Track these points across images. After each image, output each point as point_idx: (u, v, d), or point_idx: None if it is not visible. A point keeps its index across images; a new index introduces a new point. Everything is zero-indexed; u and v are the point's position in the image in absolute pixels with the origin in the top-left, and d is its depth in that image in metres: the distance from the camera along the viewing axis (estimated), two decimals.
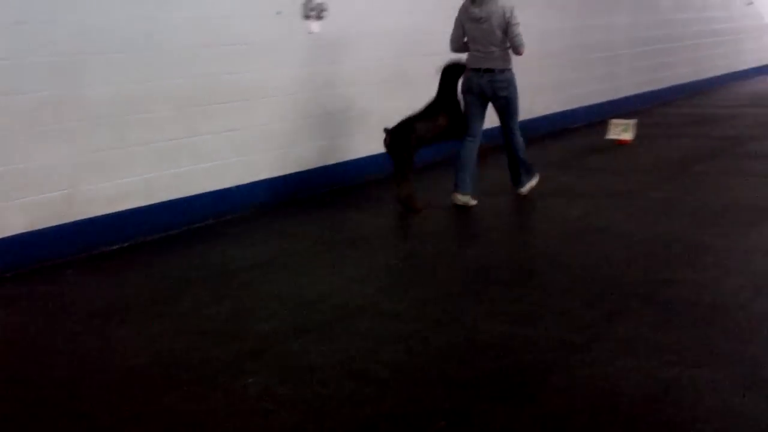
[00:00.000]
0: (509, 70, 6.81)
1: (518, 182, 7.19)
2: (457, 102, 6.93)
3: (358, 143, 8.13)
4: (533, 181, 7.23)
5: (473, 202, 6.83)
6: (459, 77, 6.90)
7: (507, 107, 6.89)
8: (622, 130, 9.54)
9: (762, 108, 12.01)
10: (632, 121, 9.57)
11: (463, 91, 6.91)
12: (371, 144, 8.23)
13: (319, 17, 7.53)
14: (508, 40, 6.71)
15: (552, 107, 10.93)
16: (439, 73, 6.93)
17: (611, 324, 4.19)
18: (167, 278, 5.25)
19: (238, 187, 6.99)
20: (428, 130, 6.78)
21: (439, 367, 3.75)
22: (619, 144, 9.41)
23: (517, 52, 6.77)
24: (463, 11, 6.86)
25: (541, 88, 10.67)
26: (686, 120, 11.51)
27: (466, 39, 6.89)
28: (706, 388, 3.42)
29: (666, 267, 5.08)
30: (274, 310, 4.56)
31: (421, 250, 5.79)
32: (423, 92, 8.23)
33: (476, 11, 6.72)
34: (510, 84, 6.81)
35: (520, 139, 7.07)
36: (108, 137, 5.95)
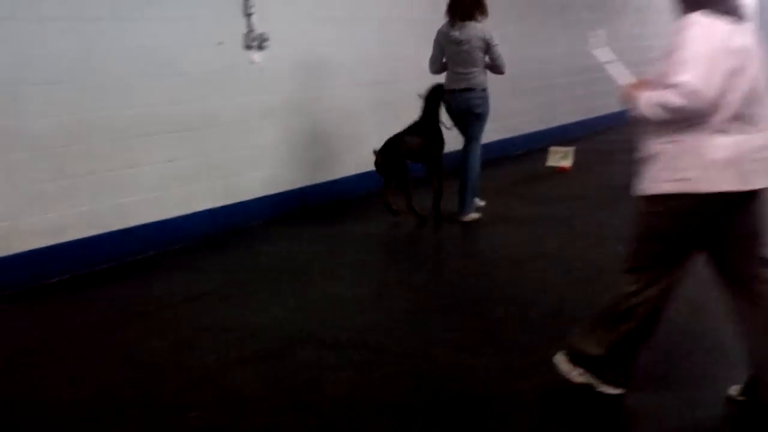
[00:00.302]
0: (485, 89, 7.27)
1: (463, 207, 7.32)
2: (438, 124, 7.43)
3: (301, 172, 8.16)
4: (475, 215, 7.36)
5: (476, 216, 7.29)
6: (440, 100, 7.37)
7: (477, 122, 7.31)
8: (561, 158, 9.72)
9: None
10: (571, 149, 9.76)
11: (447, 111, 7.40)
12: (316, 173, 8.29)
13: (260, 48, 7.55)
14: (489, 60, 7.18)
15: (492, 136, 11.05)
16: (422, 98, 7.43)
17: (552, 350, 4.25)
18: (109, 311, 5.19)
19: (180, 218, 6.96)
20: (415, 144, 7.15)
21: (382, 397, 3.77)
22: (559, 171, 9.58)
23: (501, 72, 7.31)
24: (443, 35, 7.22)
25: None
26: (623, 147, 11.71)
27: (444, 60, 7.23)
28: (650, 410, 3.50)
29: (605, 292, 5.14)
30: (216, 341, 4.54)
31: (364, 278, 5.81)
32: (368, 121, 8.34)
33: (456, 34, 7.11)
34: (485, 102, 7.28)
35: (477, 163, 7.36)
36: (48, 169, 5.90)
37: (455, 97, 7.24)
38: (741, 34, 3.24)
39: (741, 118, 3.20)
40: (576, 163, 9.69)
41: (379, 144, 7.33)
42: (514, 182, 9.38)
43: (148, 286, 5.72)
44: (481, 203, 7.69)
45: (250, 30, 7.47)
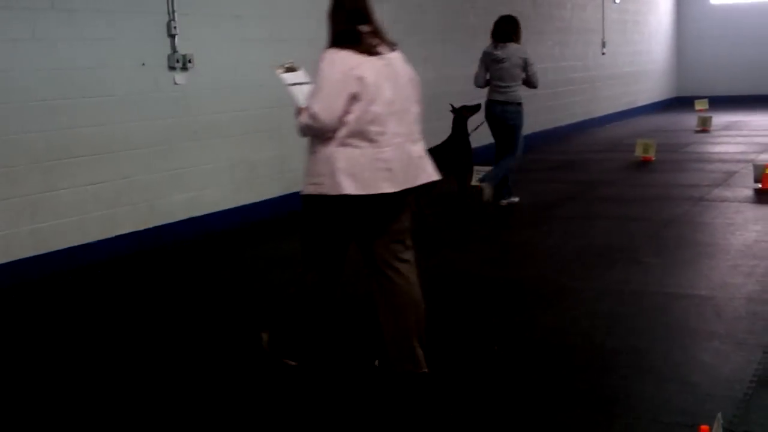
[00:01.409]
0: (520, 104, 8.49)
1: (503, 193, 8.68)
2: (467, 140, 8.41)
3: (226, 194, 8.12)
4: (513, 199, 8.80)
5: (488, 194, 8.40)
6: (468, 115, 8.46)
7: (510, 133, 8.53)
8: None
9: (615, 153, 12.62)
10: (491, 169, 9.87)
11: (486, 116, 8.63)
12: (238, 194, 8.25)
13: (184, 68, 7.53)
14: (525, 77, 8.39)
15: None
16: (453, 112, 8.46)
17: (471, 369, 4.32)
18: (27, 336, 5.09)
19: (101, 242, 6.86)
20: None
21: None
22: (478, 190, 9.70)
23: (535, 87, 8.66)
24: (487, 54, 8.59)
25: None
26: (545, 166, 11.98)
27: (488, 77, 8.50)
28: (568, 427, 3.57)
29: (525, 310, 5.28)
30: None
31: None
32: (293, 143, 8.25)
33: (498, 53, 8.44)
34: (518, 115, 8.50)
35: (514, 162, 8.65)
36: None
37: (494, 107, 8.55)
38: (371, 66, 3.84)
39: (361, 135, 3.80)
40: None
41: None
42: (441, 202, 9.46)
43: (66, 310, 5.61)
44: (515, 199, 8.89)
45: (174, 51, 7.46)
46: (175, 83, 7.50)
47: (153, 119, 7.31)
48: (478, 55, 12.86)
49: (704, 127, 15.15)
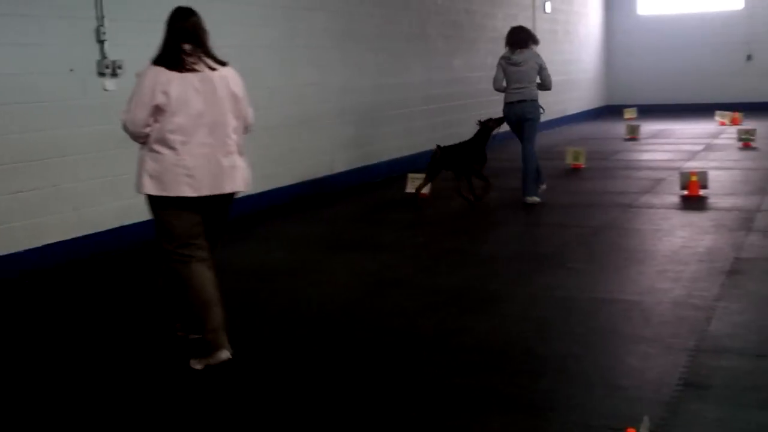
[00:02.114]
0: (536, 100, 9.22)
1: (526, 192, 9.22)
2: (484, 148, 9.35)
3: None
4: (536, 198, 9.22)
5: (537, 200, 9.16)
6: (493, 128, 9.37)
7: (530, 125, 9.25)
8: (420, 184, 9.90)
9: (547, 161, 12.74)
10: None
11: (505, 116, 9.38)
12: None
13: (113, 74, 7.42)
14: (540, 80, 9.19)
15: (353, 163, 11.22)
16: (479, 124, 9.44)
17: (404, 374, 4.33)
18: None
19: (28, 252, 6.71)
20: (457, 158, 9.25)
21: None
22: (419, 197, 9.75)
23: (549, 88, 9.34)
24: (505, 59, 9.32)
25: (341, 145, 10.94)
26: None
27: (505, 81, 9.25)
28: None
29: (458, 316, 5.32)
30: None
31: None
32: None
33: (516, 58, 9.21)
34: (536, 110, 9.24)
35: (534, 153, 9.29)
36: None
37: (513, 108, 9.23)
38: (181, 82, 4.33)
39: (164, 143, 4.34)
40: (434, 189, 9.89)
41: None
42: (375, 209, 9.51)
43: None
44: (543, 186, 9.64)
45: (103, 57, 7.35)
46: (105, 89, 7.38)
47: (82, 126, 7.19)
48: (412, 62, 13.01)
49: (633, 135, 15.47)
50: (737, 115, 17.54)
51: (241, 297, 6.00)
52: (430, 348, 4.73)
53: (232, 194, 4.61)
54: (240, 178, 4.56)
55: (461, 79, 14.36)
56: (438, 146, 9.28)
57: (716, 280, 5.80)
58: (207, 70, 4.44)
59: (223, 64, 4.57)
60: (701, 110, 19.70)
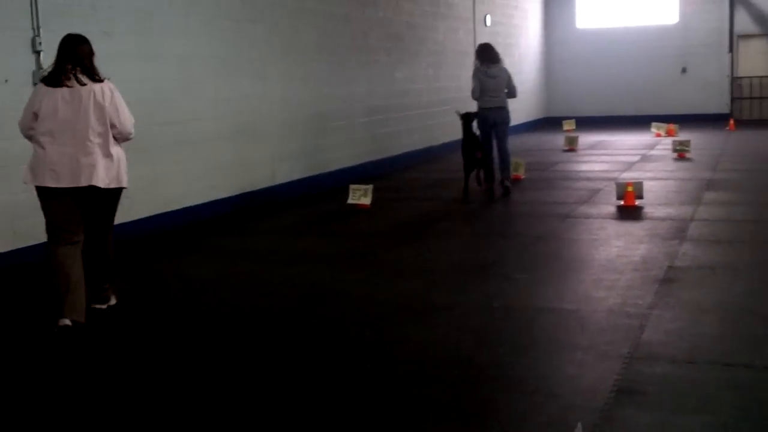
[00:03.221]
0: (506, 107, 10.77)
1: (505, 179, 10.65)
2: (473, 133, 10.88)
3: None
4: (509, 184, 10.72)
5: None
6: (473, 120, 10.87)
7: (505, 128, 10.79)
8: (361, 195, 9.95)
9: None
10: (370, 186, 10.00)
11: (480, 122, 10.72)
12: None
13: None
14: (508, 88, 10.75)
15: (295, 174, 11.21)
16: (461, 117, 10.97)
17: (343, 385, 4.35)
18: None
19: None
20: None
21: None
22: (359, 208, 9.80)
23: (515, 96, 10.94)
24: (481, 72, 10.71)
25: (283, 156, 10.93)
26: (420, 184, 12.19)
27: (480, 89, 10.60)
28: None
29: (398, 327, 5.35)
30: None
31: (146, 318, 5.71)
32: (166, 161, 8.19)
33: (491, 71, 10.69)
34: (508, 114, 10.84)
35: (509, 151, 10.87)
36: None
37: (491, 112, 10.65)
38: (53, 94, 5.31)
39: (39, 142, 5.33)
40: (375, 200, 9.94)
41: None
42: (316, 220, 9.51)
43: None
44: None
45: (39, 67, 7.25)
46: None
47: (17, 138, 7.05)
48: (355, 74, 13.09)
49: (571, 146, 15.73)
50: (672, 126, 17.96)
51: (179, 309, 5.96)
52: (370, 359, 4.75)
53: (100, 190, 5.37)
54: (101, 175, 5.34)
55: (403, 91, 14.46)
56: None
57: (650, 288, 5.93)
58: (77, 85, 5.34)
59: (97, 80, 5.43)
60: (638, 122, 20.12)
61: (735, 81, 21.65)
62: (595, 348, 4.77)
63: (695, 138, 15.49)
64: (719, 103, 21.64)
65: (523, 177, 11.82)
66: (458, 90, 16.70)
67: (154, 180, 8.60)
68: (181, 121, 8.96)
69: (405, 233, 8.52)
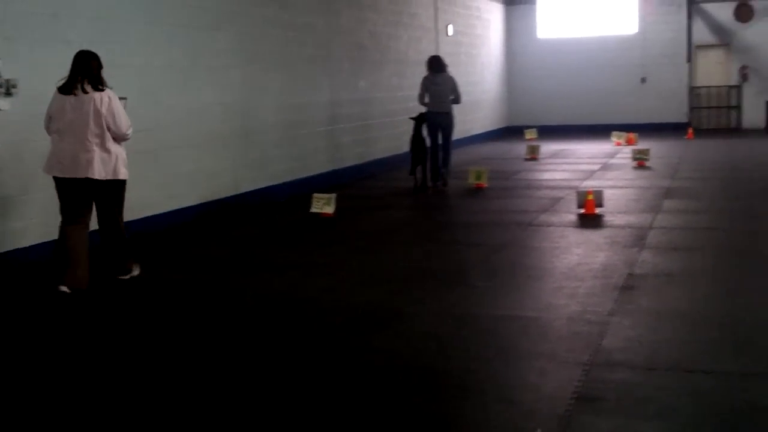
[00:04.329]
0: (451, 113, 12.10)
1: (444, 179, 12.17)
2: (421, 134, 12.09)
3: (55, 224, 7.82)
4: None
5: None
6: (423, 121, 12.09)
7: (449, 133, 12.19)
8: (324, 204, 9.93)
9: (450, 180, 13.01)
10: (333, 195, 10.00)
11: (428, 124, 12.05)
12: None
13: (8, 94, 7.24)
14: (454, 95, 12.11)
15: (257, 183, 11.18)
16: (413, 119, 12.14)
17: (305, 393, 4.35)
18: None
19: None
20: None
21: None
22: (322, 217, 9.78)
23: (459, 102, 12.26)
24: (428, 80, 12.12)
25: (246, 165, 10.90)
26: (383, 192, 12.22)
27: (428, 96, 11.99)
28: None
29: (360, 334, 5.36)
30: None
31: (70, 334, 5.66)
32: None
33: (437, 80, 12.06)
34: (452, 119, 12.20)
35: (450, 149, 12.30)
36: None
37: (436, 116, 12.03)
38: (62, 101, 6.41)
39: (52, 139, 6.48)
40: (339, 209, 9.94)
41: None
42: (280, 229, 9.49)
43: None
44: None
45: None
46: None
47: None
48: (317, 83, 13.14)
49: (533, 155, 15.87)
50: (632, 135, 18.18)
51: (141, 320, 5.92)
52: (334, 367, 4.75)
53: (96, 181, 6.40)
54: (97, 169, 6.38)
55: (366, 100, 14.49)
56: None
57: (610, 295, 6.00)
58: (82, 93, 6.40)
59: (99, 90, 6.45)
60: (598, 131, 20.34)
61: (693, 90, 21.99)
62: (556, 355, 4.82)
63: (655, 147, 15.70)
64: (678, 113, 21.96)
65: (486, 186, 11.90)
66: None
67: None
68: (143, 130, 8.85)
69: (368, 242, 8.53)
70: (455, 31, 18.86)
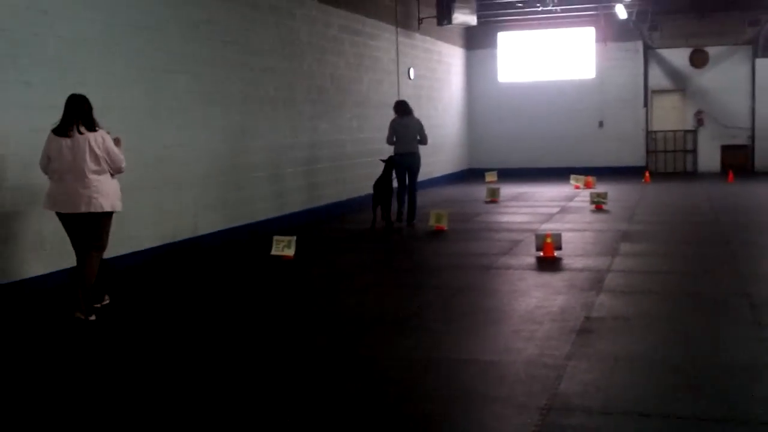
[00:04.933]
0: (417, 153, 12.89)
1: (412, 219, 12.76)
2: (389, 177, 12.69)
3: (12, 266, 7.71)
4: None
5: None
6: (392, 165, 12.74)
7: (415, 173, 12.96)
8: (284, 246, 9.91)
9: (416, 222, 13.07)
10: (293, 238, 9.98)
11: (395, 165, 12.76)
12: (26, 266, 7.87)
13: None
14: (419, 137, 12.84)
15: (217, 224, 11.13)
16: (384, 162, 12.83)
17: None
18: None
19: None
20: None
21: None
22: (283, 260, 9.75)
23: (425, 143, 13.06)
24: (396, 122, 12.87)
25: (206, 207, 10.86)
26: (344, 236, 12.22)
27: (396, 137, 12.74)
28: None
29: (318, 380, 5.33)
30: None
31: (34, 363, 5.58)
32: None
33: (404, 121, 12.82)
34: (419, 160, 12.95)
35: (416, 190, 13.06)
36: None
37: (404, 158, 12.78)
38: (59, 143, 6.95)
39: (52, 178, 7.04)
40: (300, 252, 9.92)
41: None
42: (238, 272, 9.44)
43: None
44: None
45: None
46: None
47: None
48: (278, 125, 13.20)
49: (493, 197, 16.01)
50: (590, 178, 18.43)
51: (102, 364, 5.83)
52: (290, 413, 4.72)
53: (95, 214, 7.03)
54: (96, 203, 7.00)
55: (327, 142, 14.54)
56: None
57: (567, 339, 6.04)
58: (77, 134, 6.93)
59: (93, 130, 7.02)
60: (558, 173, 20.61)
61: (650, 134, 22.40)
62: (514, 399, 4.83)
63: (612, 190, 15.92)
64: (635, 156, 22.33)
65: (446, 228, 11.95)
66: (382, 141, 16.78)
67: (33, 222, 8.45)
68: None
69: (327, 285, 8.51)
70: (416, 75, 19.06)
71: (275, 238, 10.10)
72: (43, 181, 7.22)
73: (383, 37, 17.13)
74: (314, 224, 13.24)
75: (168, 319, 7.21)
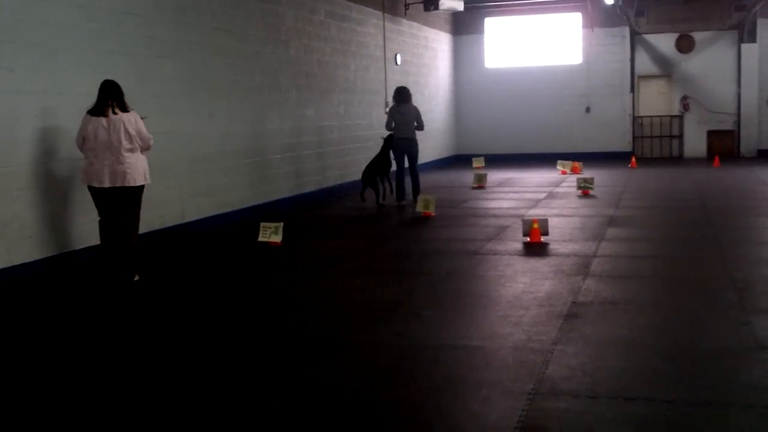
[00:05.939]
0: (415, 138, 13.65)
1: (416, 193, 13.41)
2: (389, 155, 13.75)
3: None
4: (402, 202, 13.54)
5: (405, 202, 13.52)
6: (391, 142, 13.62)
7: (415, 156, 13.79)
8: (271, 233, 9.90)
9: (399, 209, 13.07)
10: (280, 224, 9.97)
11: (394, 149, 13.63)
12: (11, 254, 7.85)
13: None
14: (416, 122, 13.58)
15: (204, 211, 11.10)
16: (383, 139, 13.82)
17: (250, 427, 4.31)
18: None
19: None
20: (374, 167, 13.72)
21: None
22: (270, 246, 9.75)
23: (422, 129, 13.76)
24: (394, 109, 13.67)
25: (192, 194, 10.82)
26: (330, 221, 12.21)
27: (394, 123, 13.46)
28: None
29: (304, 365, 5.33)
30: None
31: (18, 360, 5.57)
32: (69, 199, 8.01)
33: (401, 108, 13.53)
34: (416, 145, 13.74)
35: (418, 171, 13.93)
36: None
37: (402, 142, 13.55)
38: (94, 122, 7.67)
39: (87, 156, 7.73)
40: (287, 237, 9.91)
41: None
42: (226, 258, 9.42)
43: None
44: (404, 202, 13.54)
45: None
46: None
47: None
48: (265, 111, 13.15)
49: (480, 183, 16.01)
50: (577, 164, 18.46)
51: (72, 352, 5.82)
52: (278, 399, 4.72)
53: (130, 188, 7.79)
54: (131, 178, 7.75)
55: (314, 129, 14.51)
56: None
57: (554, 323, 6.06)
58: (111, 114, 7.68)
59: (125, 111, 7.78)
60: (544, 159, 20.63)
61: (636, 120, 22.45)
62: (501, 384, 4.84)
63: (599, 175, 15.95)
64: (621, 142, 22.39)
65: (433, 214, 11.96)
66: (369, 127, 16.87)
67: (55, 217, 8.41)
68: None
69: (315, 271, 8.51)
70: (403, 60, 19.03)
71: (262, 224, 10.09)
72: (26, 168, 7.15)
73: (370, 23, 17.08)
74: (301, 210, 13.23)
75: (155, 305, 7.19)
